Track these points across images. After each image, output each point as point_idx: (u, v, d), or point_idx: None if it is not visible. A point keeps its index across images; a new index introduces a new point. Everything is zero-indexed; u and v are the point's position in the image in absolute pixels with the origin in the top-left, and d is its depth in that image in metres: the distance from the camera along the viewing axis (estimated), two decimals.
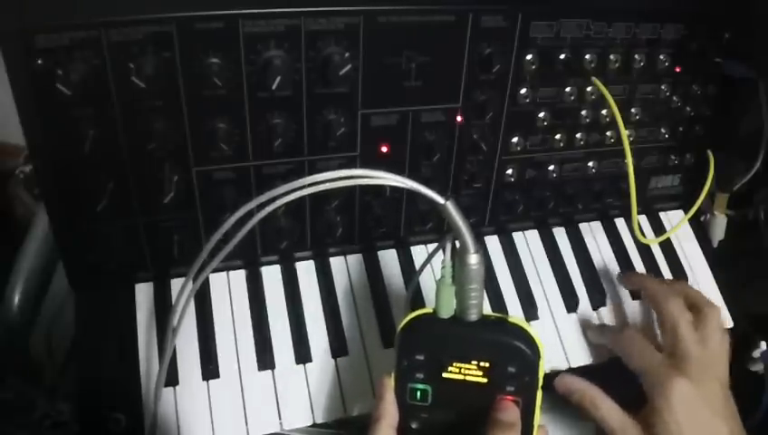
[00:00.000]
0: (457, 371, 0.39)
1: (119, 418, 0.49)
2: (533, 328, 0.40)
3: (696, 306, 0.55)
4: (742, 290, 0.70)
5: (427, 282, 0.59)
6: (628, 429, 0.49)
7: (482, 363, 0.39)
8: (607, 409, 0.50)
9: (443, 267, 0.40)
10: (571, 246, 0.66)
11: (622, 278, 0.64)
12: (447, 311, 0.40)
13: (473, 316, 0.39)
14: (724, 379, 0.52)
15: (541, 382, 0.40)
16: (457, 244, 0.39)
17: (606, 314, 0.63)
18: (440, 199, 0.38)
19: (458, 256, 0.39)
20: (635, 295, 0.65)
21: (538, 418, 0.40)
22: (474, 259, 0.38)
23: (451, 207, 0.38)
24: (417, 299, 0.59)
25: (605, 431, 0.50)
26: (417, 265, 0.61)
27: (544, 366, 0.40)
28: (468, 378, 0.39)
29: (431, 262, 0.48)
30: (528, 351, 0.39)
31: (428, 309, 0.41)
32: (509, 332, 0.39)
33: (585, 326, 0.61)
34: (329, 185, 0.39)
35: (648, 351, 0.52)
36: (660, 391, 0.49)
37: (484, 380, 0.39)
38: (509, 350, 0.39)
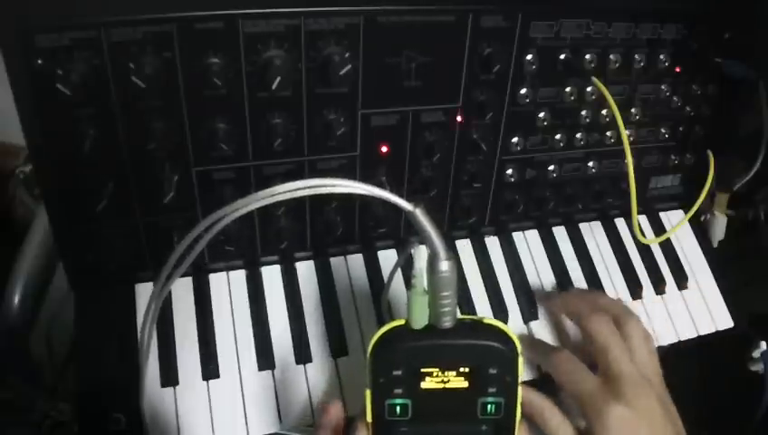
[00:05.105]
0: (437, 380, 0.38)
1: (119, 418, 0.49)
2: (510, 327, 0.38)
3: (616, 319, 0.53)
4: (742, 290, 0.70)
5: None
6: None
7: (462, 369, 0.38)
8: (556, 424, 0.48)
9: (414, 277, 0.38)
10: (572, 246, 0.66)
11: (548, 305, 0.62)
12: (421, 321, 0.38)
13: (447, 323, 0.38)
14: (660, 387, 0.50)
15: (521, 379, 0.39)
16: (426, 251, 0.37)
17: None
18: (408, 206, 0.36)
19: (429, 264, 0.37)
20: (635, 296, 0.65)
21: (519, 415, 0.40)
22: (445, 266, 0.36)
23: (420, 214, 0.36)
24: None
25: None
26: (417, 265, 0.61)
27: (524, 364, 0.39)
28: (448, 385, 0.38)
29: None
30: (507, 349, 0.38)
31: (400, 321, 0.39)
32: (486, 333, 0.38)
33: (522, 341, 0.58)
34: (285, 196, 0.37)
35: (581, 375, 0.50)
36: (597, 419, 0.47)
37: (465, 384, 0.38)
38: (488, 351, 0.38)
